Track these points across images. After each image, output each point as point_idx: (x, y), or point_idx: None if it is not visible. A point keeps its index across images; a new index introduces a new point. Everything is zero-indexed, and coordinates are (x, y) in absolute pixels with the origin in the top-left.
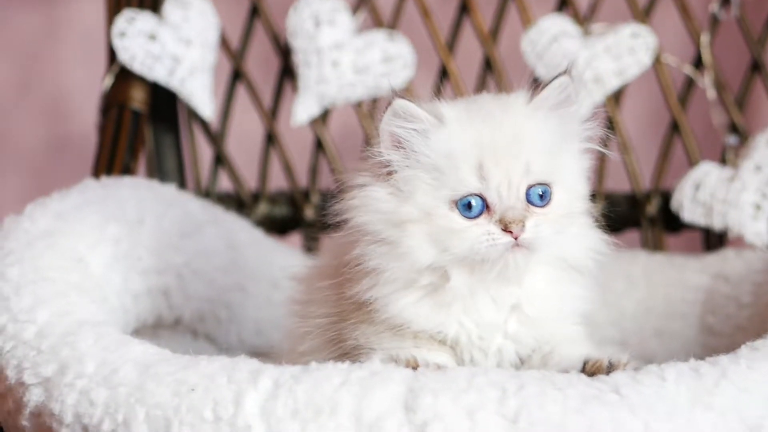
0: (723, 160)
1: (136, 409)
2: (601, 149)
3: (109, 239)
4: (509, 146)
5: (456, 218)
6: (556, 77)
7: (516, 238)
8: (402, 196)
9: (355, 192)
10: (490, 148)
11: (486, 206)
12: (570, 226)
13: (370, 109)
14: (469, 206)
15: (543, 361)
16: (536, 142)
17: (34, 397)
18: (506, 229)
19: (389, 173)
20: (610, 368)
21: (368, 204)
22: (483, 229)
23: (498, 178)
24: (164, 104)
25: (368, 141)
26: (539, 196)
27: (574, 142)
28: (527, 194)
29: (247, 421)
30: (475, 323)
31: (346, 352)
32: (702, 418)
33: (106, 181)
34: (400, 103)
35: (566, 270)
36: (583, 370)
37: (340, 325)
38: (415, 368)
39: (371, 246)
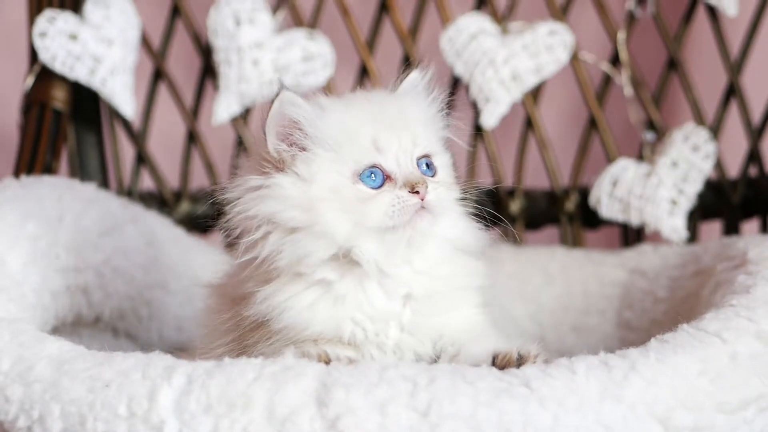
0: (640, 156)
1: (51, 405)
2: (458, 141)
3: (28, 237)
4: (398, 120)
5: (363, 189)
6: (409, 73)
7: (422, 200)
8: (305, 179)
9: (252, 191)
10: (382, 121)
11: (386, 177)
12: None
13: None
14: (371, 177)
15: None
16: (416, 118)
17: None
18: (413, 191)
19: (283, 163)
20: (520, 360)
21: (274, 194)
22: (392, 194)
23: (394, 147)
24: (86, 103)
25: (244, 147)
26: (427, 166)
27: (437, 128)
28: (417, 165)
29: (161, 416)
30: (369, 318)
31: None
32: (611, 410)
33: (25, 180)
34: (287, 95)
35: (454, 252)
36: (494, 364)
37: (242, 347)
38: (327, 363)
39: (284, 238)
